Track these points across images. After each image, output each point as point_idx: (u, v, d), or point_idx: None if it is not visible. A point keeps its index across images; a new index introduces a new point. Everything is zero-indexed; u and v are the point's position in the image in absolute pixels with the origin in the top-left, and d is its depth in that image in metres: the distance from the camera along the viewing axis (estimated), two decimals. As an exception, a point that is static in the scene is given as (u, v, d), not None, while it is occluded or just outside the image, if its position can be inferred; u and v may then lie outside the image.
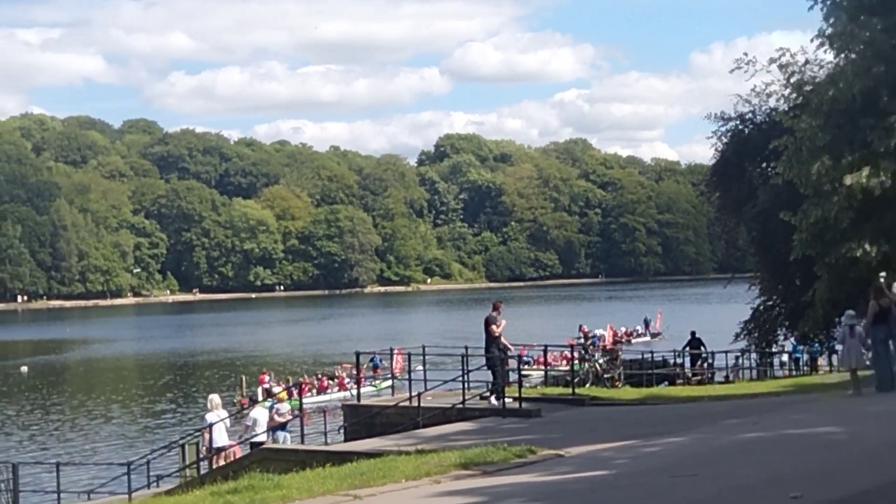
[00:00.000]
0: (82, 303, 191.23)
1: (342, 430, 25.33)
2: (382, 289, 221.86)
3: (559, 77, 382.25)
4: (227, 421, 27.61)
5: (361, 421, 24.88)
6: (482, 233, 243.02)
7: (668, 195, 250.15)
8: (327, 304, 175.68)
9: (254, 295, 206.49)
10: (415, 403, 25.16)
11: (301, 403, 26.50)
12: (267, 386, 50.21)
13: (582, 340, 46.12)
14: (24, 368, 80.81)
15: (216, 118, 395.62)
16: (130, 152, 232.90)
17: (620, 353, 32.19)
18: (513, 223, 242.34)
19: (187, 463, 29.03)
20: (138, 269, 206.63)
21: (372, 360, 60.08)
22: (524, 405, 23.74)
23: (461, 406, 24.34)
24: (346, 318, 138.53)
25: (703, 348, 43.14)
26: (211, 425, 25.79)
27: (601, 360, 30.96)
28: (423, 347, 32.15)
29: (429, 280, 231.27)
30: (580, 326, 62.19)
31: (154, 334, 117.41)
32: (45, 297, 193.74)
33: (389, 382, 53.03)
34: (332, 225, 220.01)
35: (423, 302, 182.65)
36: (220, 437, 26.56)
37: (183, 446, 30.38)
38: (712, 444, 17.76)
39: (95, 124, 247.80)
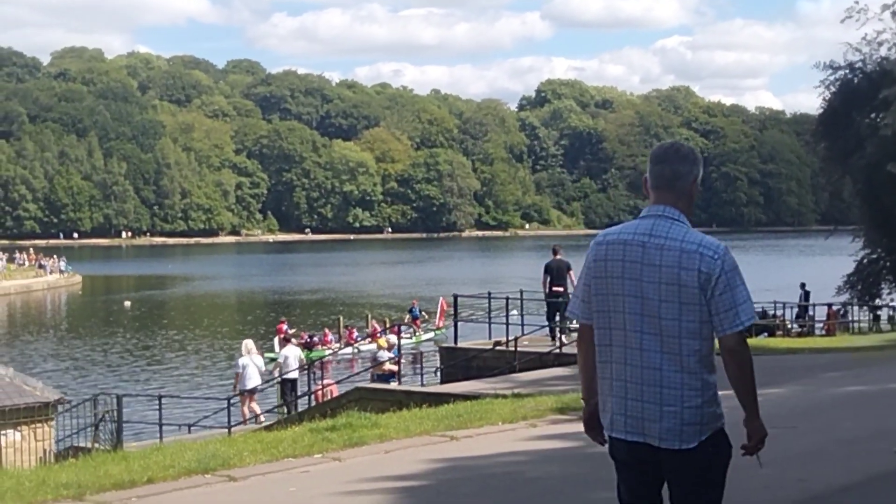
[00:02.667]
0: (184, 240, 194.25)
1: (438, 372, 25.46)
2: (480, 233, 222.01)
3: (662, 23, 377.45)
4: (261, 364, 29.02)
5: (458, 364, 24.97)
6: (581, 179, 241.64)
7: (771, 145, 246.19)
8: (425, 247, 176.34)
9: (352, 236, 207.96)
10: (511, 348, 25.18)
11: (400, 347, 26.80)
12: (284, 335, 50.65)
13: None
14: (128, 303, 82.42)
15: (317, 60, 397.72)
16: (233, 92, 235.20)
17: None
18: (612, 170, 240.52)
19: (285, 400, 29.53)
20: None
21: (411, 310, 59.93)
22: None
23: (558, 351, 24.30)
24: (443, 261, 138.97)
25: (809, 300, 42.60)
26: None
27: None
28: (521, 292, 32.12)
29: (526, 225, 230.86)
30: None
31: (254, 272, 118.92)
32: (148, 234, 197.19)
33: (431, 335, 53.26)
34: (432, 168, 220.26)
35: (521, 247, 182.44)
36: (252, 380, 28.00)
37: (282, 383, 30.88)
38: (813, 396, 17.53)
39: (199, 64, 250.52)
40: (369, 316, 61.34)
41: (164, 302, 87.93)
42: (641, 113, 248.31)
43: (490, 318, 28.38)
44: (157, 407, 26.54)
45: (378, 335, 52.19)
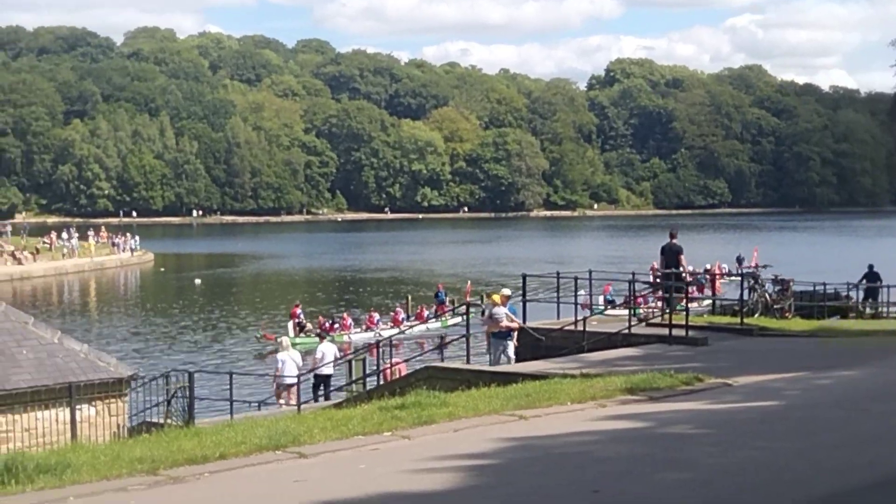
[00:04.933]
0: (254, 219, 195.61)
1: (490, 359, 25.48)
2: (548, 213, 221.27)
3: (732, 2, 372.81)
4: (299, 360, 29.78)
5: (526, 343, 24.95)
6: (651, 159, 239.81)
7: (845, 124, 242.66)
8: (493, 227, 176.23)
9: (420, 215, 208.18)
10: (580, 328, 25.11)
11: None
12: (298, 320, 50.95)
13: (753, 269, 45.17)
14: (198, 281, 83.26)
15: (385, 39, 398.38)
16: (303, 72, 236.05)
17: (792, 283, 31.46)
18: (682, 150, 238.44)
19: (354, 378, 29.71)
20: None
21: (437, 295, 59.77)
22: (691, 333, 23.48)
23: (626, 332, 24.20)
24: (511, 240, 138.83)
25: (879, 282, 41.90)
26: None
27: (771, 290, 30.35)
28: (590, 272, 32.04)
29: (595, 205, 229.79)
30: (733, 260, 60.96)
31: (322, 251, 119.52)
32: (218, 213, 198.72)
33: (458, 319, 53.02)
34: (500, 148, 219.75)
35: (589, 227, 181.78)
36: (290, 377, 28.45)
37: (350, 362, 31.10)
38: (885, 379, 17.34)
39: (269, 43, 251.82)
40: (409, 298, 61.40)
41: (233, 280, 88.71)
42: (712, 92, 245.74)
43: (559, 297, 28.32)
44: (228, 384, 26.86)
45: (399, 321, 52.70)
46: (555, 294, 28.63)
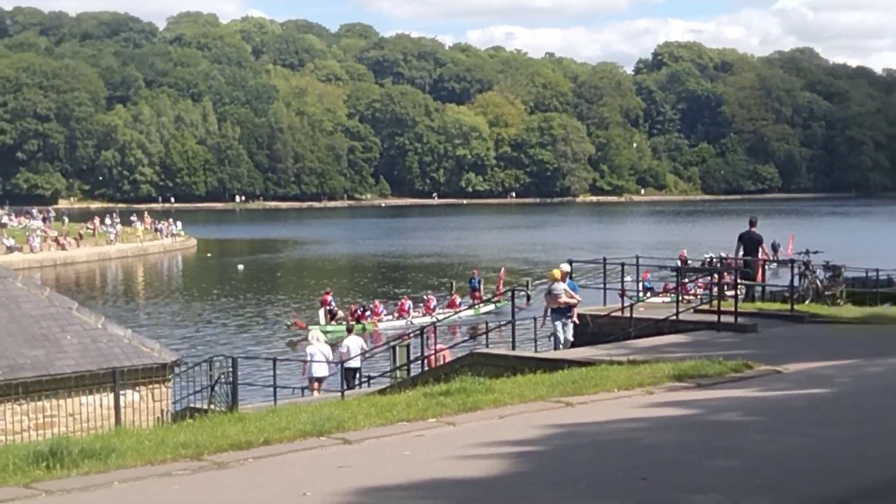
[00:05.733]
0: (297, 204, 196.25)
1: (552, 339, 25.45)
2: (594, 198, 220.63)
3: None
4: (329, 353, 29.71)
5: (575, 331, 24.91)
6: (699, 144, 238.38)
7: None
8: (539, 212, 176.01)
9: (465, 201, 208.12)
10: (627, 314, 25.06)
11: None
12: (330, 307, 51.09)
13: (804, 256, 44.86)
14: (241, 266, 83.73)
15: (429, 23, 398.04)
16: (346, 56, 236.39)
17: (843, 269, 31.19)
18: (731, 134, 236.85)
19: (398, 364, 29.81)
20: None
21: (471, 282, 59.66)
22: (740, 320, 23.37)
23: (674, 318, 24.11)
24: (557, 226, 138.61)
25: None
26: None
27: (822, 277, 30.10)
28: (637, 258, 31.93)
29: (642, 191, 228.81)
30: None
31: (366, 236, 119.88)
32: (261, 198, 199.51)
33: (491, 307, 52.98)
34: (546, 133, 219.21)
35: (636, 213, 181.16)
36: (320, 369, 28.81)
37: (394, 348, 31.23)
38: (940, 367, 17.18)
39: (312, 28, 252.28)
40: (454, 285, 61.62)
41: (276, 265, 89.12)
42: (762, 75, 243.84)
43: (605, 284, 28.27)
44: (272, 369, 27.02)
45: (431, 308, 52.85)
46: (601, 280, 28.58)
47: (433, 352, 28.60)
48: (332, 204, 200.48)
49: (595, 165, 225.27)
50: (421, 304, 54.42)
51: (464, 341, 36.50)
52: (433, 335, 30.06)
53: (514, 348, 23.16)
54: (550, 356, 20.99)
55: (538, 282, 63.60)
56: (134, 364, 21.38)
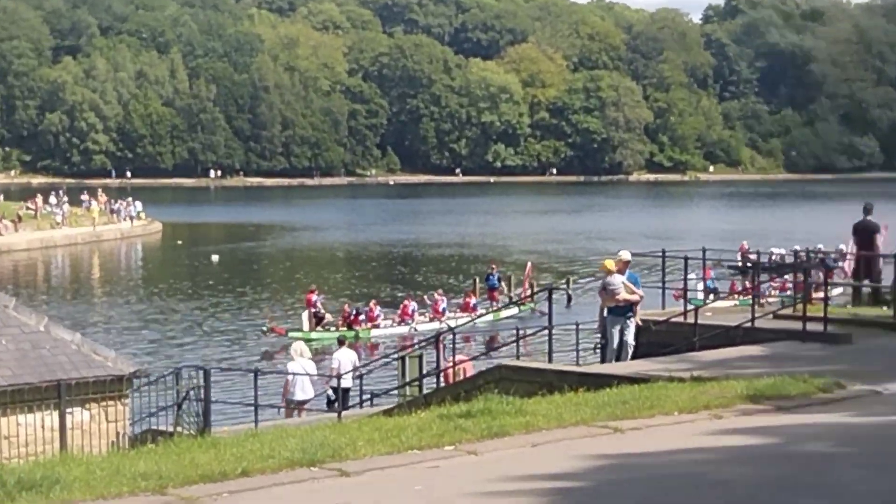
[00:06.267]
0: (285, 181, 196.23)
1: (598, 349, 25.43)
2: (652, 176, 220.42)
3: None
4: (312, 369, 29.43)
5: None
6: (782, 110, 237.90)
7: None
8: (583, 193, 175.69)
9: (492, 178, 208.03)
10: (690, 320, 24.99)
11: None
12: (315, 310, 50.98)
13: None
14: (216, 257, 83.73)
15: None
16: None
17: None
18: (822, 99, 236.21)
19: (408, 379, 29.82)
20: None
21: (488, 279, 59.49)
22: (830, 328, 23.29)
23: (749, 325, 24.05)
24: (605, 210, 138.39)
25: None
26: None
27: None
28: (703, 251, 31.86)
29: (711, 167, 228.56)
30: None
31: (370, 221, 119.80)
32: (241, 173, 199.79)
33: (515, 310, 52.88)
34: (592, 95, 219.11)
35: (704, 194, 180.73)
36: (303, 391, 28.62)
37: (403, 359, 31.25)
38: None
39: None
40: (476, 282, 61.76)
41: (259, 256, 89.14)
42: (860, 27, 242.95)
43: (664, 282, 28.21)
44: (252, 384, 27.04)
45: (440, 310, 52.83)
46: (659, 277, 28.51)
47: (451, 364, 28.56)
48: (328, 181, 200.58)
49: (653, 136, 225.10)
50: (427, 307, 54.33)
51: (485, 353, 36.49)
52: (449, 344, 30.00)
53: (550, 360, 23.13)
54: (595, 370, 20.99)
55: (582, 280, 63.56)
56: (84, 376, 21.40)
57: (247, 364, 41.63)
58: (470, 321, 47.96)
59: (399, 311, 53.28)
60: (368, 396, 29.59)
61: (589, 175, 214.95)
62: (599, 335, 24.71)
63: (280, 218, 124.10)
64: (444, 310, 53.24)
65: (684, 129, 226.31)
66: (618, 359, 23.27)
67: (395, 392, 29.20)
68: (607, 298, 23.91)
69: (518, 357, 26.36)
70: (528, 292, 54.73)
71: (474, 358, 31.58)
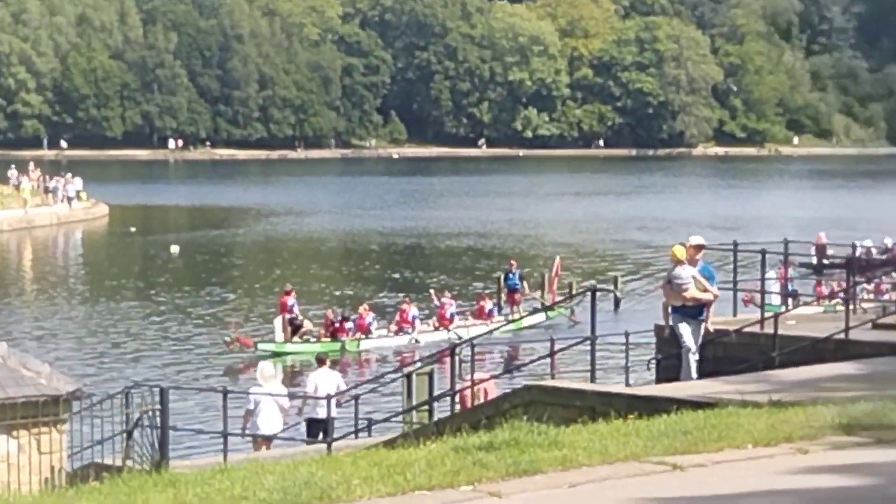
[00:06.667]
0: (263, 153, 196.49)
1: (653, 365, 25.44)
2: (721, 150, 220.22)
3: None
4: (285, 399, 29.17)
5: (680, 352, 24.89)
6: (884, 68, 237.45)
7: None
8: (635, 170, 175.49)
9: (521, 152, 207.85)
10: (768, 329, 24.96)
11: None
12: (291, 316, 50.60)
13: None
14: (175, 248, 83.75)
15: None
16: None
17: None
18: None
19: (415, 403, 29.83)
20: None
21: (506, 279, 58.97)
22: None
23: (842, 337, 24.02)
24: (662, 191, 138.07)
25: None
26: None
27: None
28: (785, 242, 31.80)
29: (795, 139, 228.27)
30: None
31: (368, 204, 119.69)
32: (208, 143, 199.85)
33: (540, 317, 52.73)
34: (647, 48, 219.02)
35: (787, 172, 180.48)
36: (269, 423, 28.22)
37: (409, 377, 31.25)
38: None
39: None
40: (501, 281, 61.52)
41: (230, 248, 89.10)
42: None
43: (735, 282, 28.20)
44: (221, 407, 27.07)
45: (407, 319, 52.50)
46: (730, 276, 28.48)
47: (469, 384, 28.56)
48: (315, 154, 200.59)
49: (723, 99, 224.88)
50: (433, 309, 54.24)
51: (510, 371, 36.47)
52: (465, 358, 29.97)
53: (593, 379, 23.14)
54: (649, 392, 20.98)
55: (633, 280, 63.59)
56: (10, 396, 21.44)
57: (214, 382, 41.62)
58: (488, 331, 47.61)
59: (396, 318, 53.05)
60: (365, 423, 29.56)
61: (642, 148, 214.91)
62: (655, 348, 24.69)
63: (256, 200, 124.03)
64: (451, 316, 53.02)
65: (762, 91, 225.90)
66: (683, 377, 23.20)
67: (399, 418, 29.16)
68: (673, 295, 23.78)
69: (552, 375, 26.42)
70: (554, 295, 54.88)
71: (497, 376, 31.54)
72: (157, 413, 23.90)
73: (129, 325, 57.15)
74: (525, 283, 59.44)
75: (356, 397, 30.47)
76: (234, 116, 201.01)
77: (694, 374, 23.17)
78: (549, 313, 52.94)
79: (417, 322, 52.35)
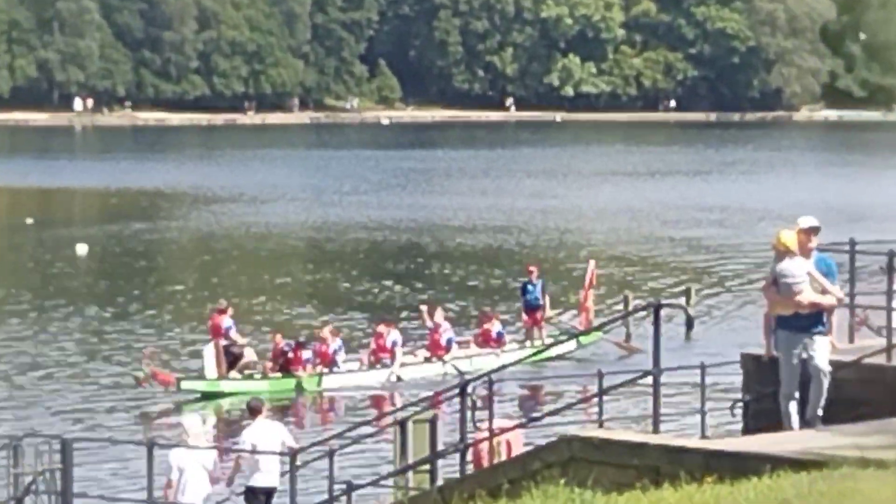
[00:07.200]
0: (203, 117, 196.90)
1: (739, 408, 25.45)
2: (833, 113, 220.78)
3: None
4: (208, 461, 29.27)
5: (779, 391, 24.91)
6: None
7: None
8: (714, 142, 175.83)
9: (559, 116, 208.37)
10: (896, 361, 24.98)
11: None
12: (227, 342, 50.30)
13: None
14: (83, 248, 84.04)
15: None
16: None
17: None
18: None
19: (411, 460, 29.86)
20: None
21: (524, 291, 58.05)
22: None
23: None
24: (755, 172, 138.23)
25: None
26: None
27: None
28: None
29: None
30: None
31: (347, 188, 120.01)
32: (127, 105, 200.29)
33: (571, 345, 52.64)
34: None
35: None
36: (195, 494, 28.44)
37: (402, 425, 31.24)
38: None
39: None
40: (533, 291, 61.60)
41: (156, 248, 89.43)
42: None
43: (852, 295, 28.17)
44: (145, 464, 27.10)
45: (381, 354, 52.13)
46: (845, 288, 28.46)
47: (487, 435, 28.59)
48: (275, 118, 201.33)
49: (835, 45, 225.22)
50: (424, 331, 54.15)
51: (539, 416, 36.42)
52: (489, 397, 29.97)
53: (657, 428, 23.14)
54: (735, 447, 20.97)
55: (711, 294, 63.69)
56: None
57: (135, 428, 41.66)
58: (511, 362, 47.15)
59: (371, 345, 52.76)
60: (343, 489, 29.58)
61: (725, 111, 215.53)
62: (743, 385, 24.67)
63: (193, 181, 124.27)
64: (448, 342, 52.65)
65: (890, 34, 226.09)
66: (802, 414, 22.96)
67: (390, 481, 29.20)
68: (780, 300, 23.35)
69: (600, 423, 26.39)
70: (589, 316, 54.82)
71: (525, 424, 31.56)
72: (58, 473, 23.98)
73: (20, 352, 57.25)
74: (548, 298, 58.45)
75: (330, 453, 30.44)
76: (164, 67, 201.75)
77: (812, 414, 22.94)
78: (582, 338, 52.67)
79: (398, 351, 51.73)
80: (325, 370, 50.11)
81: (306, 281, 78.00)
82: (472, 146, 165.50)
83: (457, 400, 28.06)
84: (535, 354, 49.45)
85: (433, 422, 30.55)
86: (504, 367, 37.91)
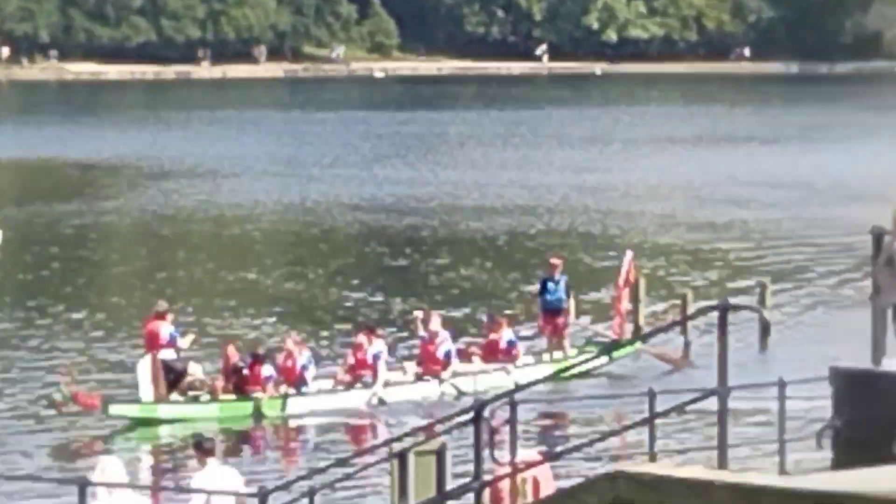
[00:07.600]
0: (148, 69, 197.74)
1: (828, 436, 25.53)
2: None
3: None
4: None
5: (879, 415, 24.98)
6: None
7: None
8: (797, 99, 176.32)
9: (599, 68, 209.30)
10: None
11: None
12: (167, 360, 50.10)
13: None
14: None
15: None
16: None
17: None
18: None
19: (413, 502, 29.99)
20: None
21: (545, 290, 57.80)
22: None
23: None
24: (845, 139, 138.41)
25: None
26: None
27: None
28: None
29: None
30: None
31: (330, 160, 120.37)
32: (53, 54, 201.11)
33: (603, 359, 52.71)
34: None
35: None
36: None
37: (402, 456, 31.34)
38: None
39: None
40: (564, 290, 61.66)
41: (87, 234, 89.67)
42: None
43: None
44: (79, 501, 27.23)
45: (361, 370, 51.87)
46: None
47: (509, 470, 28.72)
48: (239, 70, 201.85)
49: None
50: (418, 339, 54.18)
51: (574, 447, 36.47)
52: (511, 426, 30.07)
53: (724, 463, 23.25)
54: (822, 486, 21.01)
55: (792, 289, 63.95)
56: None
57: (66, 465, 41.81)
58: (524, 385, 46.65)
59: (349, 360, 52.64)
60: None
61: (810, 61, 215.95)
62: (833, 406, 24.76)
63: (136, 150, 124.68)
64: (447, 355, 52.45)
65: None
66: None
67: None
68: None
69: (651, 456, 26.48)
70: (622, 328, 54.90)
71: (555, 457, 31.65)
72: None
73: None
74: (572, 300, 57.86)
75: (310, 493, 30.48)
76: (99, 7, 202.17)
77: None
78: (618, 348, 52.73)
79: (381, 366, 51.41)
80: (291, 390, 49.66)
81: (275, 277, 77.89)
82: (490, 106, 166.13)
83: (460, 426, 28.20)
84: (561, 371, 49.56)
85: (441, 453, 30.47)
86: (528, 385, 38.22)
